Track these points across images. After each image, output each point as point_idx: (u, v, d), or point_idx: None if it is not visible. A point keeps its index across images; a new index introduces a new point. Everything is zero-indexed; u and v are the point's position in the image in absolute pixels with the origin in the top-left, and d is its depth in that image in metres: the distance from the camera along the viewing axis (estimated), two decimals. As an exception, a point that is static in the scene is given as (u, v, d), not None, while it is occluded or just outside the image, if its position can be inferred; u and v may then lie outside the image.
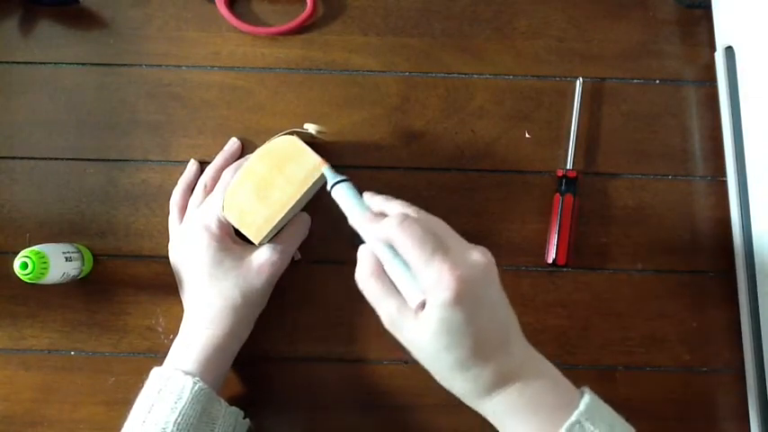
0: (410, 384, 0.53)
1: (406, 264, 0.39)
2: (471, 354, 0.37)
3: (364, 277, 0.41)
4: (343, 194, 0.45)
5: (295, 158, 0.49)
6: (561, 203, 0.54)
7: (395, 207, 0.43)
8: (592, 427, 0.37)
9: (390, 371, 0.53)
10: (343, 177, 0.46)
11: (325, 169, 0.47)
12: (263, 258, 0.49)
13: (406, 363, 0.53)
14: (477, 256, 0.39)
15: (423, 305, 0.38)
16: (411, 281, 0.39)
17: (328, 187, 0.46)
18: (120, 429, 0.45)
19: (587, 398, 0.38)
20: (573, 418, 0.37)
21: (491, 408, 0.39)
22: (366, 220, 0.42)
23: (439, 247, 0.38)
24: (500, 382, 0.38)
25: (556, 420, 0.37)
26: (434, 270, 0.37)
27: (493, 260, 0.40)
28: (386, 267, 0.41)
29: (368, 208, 0.44)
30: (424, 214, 0.42)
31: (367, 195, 0.45)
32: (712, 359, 0.54)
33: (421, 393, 0.53)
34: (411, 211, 0.42)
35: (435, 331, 0.37)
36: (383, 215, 0.42)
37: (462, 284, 0.36)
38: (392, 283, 0.40)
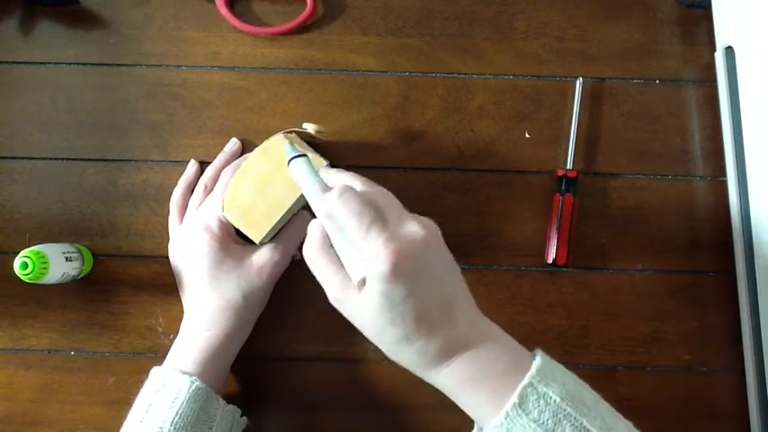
0: (410, 384, 0.53)
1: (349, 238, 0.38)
2: (415, 327, 0.37)
3: (311, 252, 0.40)
4: (298, 169, 0.44)
5: (294, 157, 0.49)
6: (561, 203, 0.54)
7: (341, 179, 0.42)
8: (545, 389, 0.36)
9: (390, 371, 0.53)
10: (300, 152, 0.45)
11: (285, 144, 0.46)
12: (264, 258, 0.49)
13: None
14: (416, 227, 0.38)
15: (364, 281, 0.37)
16: (353, 256, 0.38)
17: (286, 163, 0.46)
18: (119, 429, 0.45)
19: (539, 360, 0.38)
20: (525, 381, 0.36)
21: (442, 379, 0.39)
22: (315, 195, 0.41)
23: (376, 220, 0.37)
24: (448, 352, 0.38)
25: (507, 386, 0.36)
26: (371, 244, 0.36)
27: (435, 231, 0.39)
28: (332, 242, 0.40)
29: (321, 182, 0.42)
30: (369, 186, 0.41)
31: (323, 169, 0.44)
32: (712, 359, 0.54)
33: (420, 393, 0.53)
34: (358, 182, 0.41)
35: (376, 306, 0.37)
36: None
37: (398, 258, 0.36)
38: (339, 258, 0.39)
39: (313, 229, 0.41)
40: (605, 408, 0.38)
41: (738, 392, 0.53)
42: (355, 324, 0.39)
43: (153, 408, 0.44)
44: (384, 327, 0.38)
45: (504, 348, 0.39)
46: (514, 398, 0.36)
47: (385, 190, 0.41)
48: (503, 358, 0.38)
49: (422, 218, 0.39)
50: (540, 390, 0.36)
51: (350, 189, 0.39)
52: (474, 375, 0.38)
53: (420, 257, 0.37)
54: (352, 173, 0.43)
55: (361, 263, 0.37)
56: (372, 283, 0.37)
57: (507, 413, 0.36)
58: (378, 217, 0.38)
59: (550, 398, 0.36)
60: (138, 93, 0.56)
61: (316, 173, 0.43)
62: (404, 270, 0.36)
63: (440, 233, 0.39)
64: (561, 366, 0.39)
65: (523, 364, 0.38)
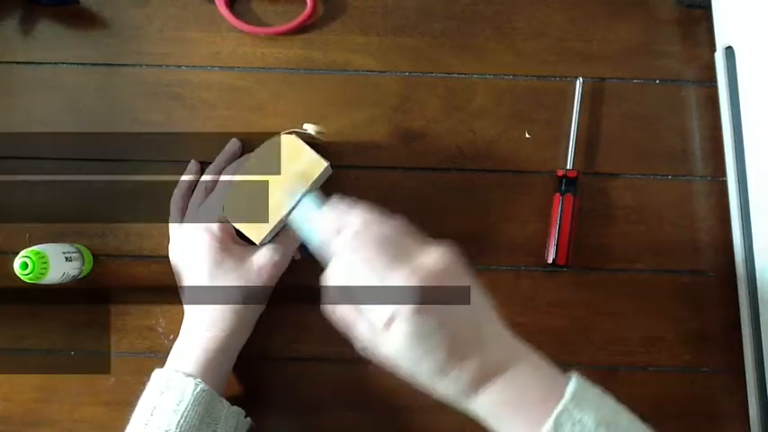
0: (409, 385, 0.53)
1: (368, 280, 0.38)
2: (448, 356, 0.37)
3: (331, 304, 0.40)
4: (302, 218, 0.44)
5: (294, 158, 0.49)
6: (561, 203, 0.54)
7: (351, 221, 0.40)
8: (580, 414, 0.36)
9: (390, 371, 0.53)
10: (299, 197, 0.46)
11: (296, 187, 0.47)
12: (264, 259, 0.49)
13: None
14: (436, 257, 0.38)
15: (391, 320, 0.37)
16: (375, 298, 0.38)
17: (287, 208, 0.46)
18: (119, 430, 0.45)
19: (573, 384, 0.38)
20: (560, 407, 0.36)
21: (478, 406, 0.38)
22: (327, 240, 0.40)
23: (395, 257, 0.37)
24: (482, 379, 0.38)
25: (542, 412, 0.36)
26: (394, 282, 0.36)
27: (455, 257, 0.39)
28: (351, 286, 0.39)
29: (330, 225, 0.41)
30: (382, 219, 0.40)
31: (329, 208, 0.43)
32: (712, 359, 0.54)
33: (421, 393, 0.53)
34: (369, 216, 0.40)
35: (408, 342, 0.36)
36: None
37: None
38: (358, 303, 0.39)
39: (328, 280, 0.39)
40: (641, 431, 0.38)
41: (738, 392, 0.53)
42: (388, 364, 0.39)
43: (157, 410, 0.44)
44: (417, 361, 0.37)
45: (538, 370, 0.39)
46: (550, 423, 0.36)
47: (399, 220, 0.40)
48: (537, 382, 0.38)
49: (440, 245, 0.39)
50: (575, 415, 0.36)
51: (362, 230, 0.38)
52: (509, 401, 0.38)
53: (444, 287, 0.37)
54: (360, 205, 0.41)
55: (385, 302, 0.37)
56: (400, 321, 0.36)
57: None
58: (397, 253, 0.37)
59: (585, 423, 0.36)
60: (138, 93, 0.56)
61: (322, 216, 0.42)
62: (429, 303, 0.36)
63: (460, 258, 0.39)
64: (597, 389, 0.39)
65: (558, 387, 0.37)
